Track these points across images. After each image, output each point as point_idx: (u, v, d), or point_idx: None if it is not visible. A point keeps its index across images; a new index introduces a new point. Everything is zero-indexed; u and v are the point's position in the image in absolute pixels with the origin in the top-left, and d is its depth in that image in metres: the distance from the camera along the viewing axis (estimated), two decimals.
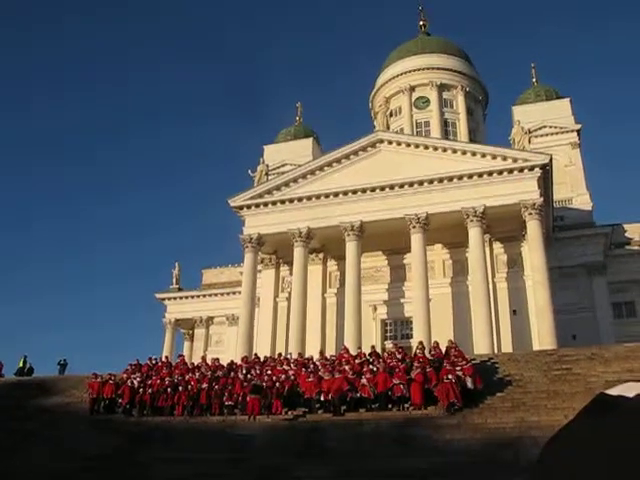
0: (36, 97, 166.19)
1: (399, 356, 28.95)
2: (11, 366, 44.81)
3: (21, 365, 43.88)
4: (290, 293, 46.13)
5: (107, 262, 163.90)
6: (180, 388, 29.79)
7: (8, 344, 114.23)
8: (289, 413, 26.97)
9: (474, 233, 41.42)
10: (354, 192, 44.63)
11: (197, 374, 31.30)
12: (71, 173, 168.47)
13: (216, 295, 63.32)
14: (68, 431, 27.33)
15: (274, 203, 46.80)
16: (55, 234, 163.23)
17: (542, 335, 38.01)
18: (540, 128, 57.78)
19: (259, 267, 48.44)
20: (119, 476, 21.98)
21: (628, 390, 1.18)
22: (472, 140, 62.52)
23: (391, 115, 64.98)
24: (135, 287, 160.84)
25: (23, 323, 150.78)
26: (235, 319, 54.97)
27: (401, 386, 25.65)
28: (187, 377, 30.95)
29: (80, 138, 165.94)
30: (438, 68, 68.59)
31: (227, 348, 55.77)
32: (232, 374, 30.60)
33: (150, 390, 30.16)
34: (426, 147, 45.08)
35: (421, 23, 78.49)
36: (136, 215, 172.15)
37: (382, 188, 43.99)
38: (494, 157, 42.63)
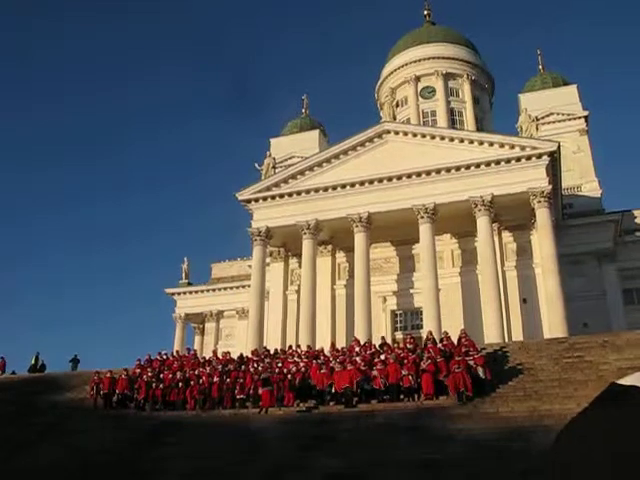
0: (37, 98, 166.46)
1: (410, 346, 28.97)
2: (23, 363, 45.06)
3: (33, 362, 44.11)
4: (299, 286, 46.17)
5: (117, 258, 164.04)
6: (192, 382, 29.91)
7: (20, 341, 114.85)
8: (301, 405, 27.04)
9: (482, 222, 41.32)
10: (361, 183, 44.56)
11: (208, 368, 31.39)
12: (76, 170, 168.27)
13: (225, 289, 63.49)
14: (81, 427, 27.46)
15: (282, 196, 46.79)
16: (64, 231, 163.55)
17: (553, 323, 37.92)
18: (547, 115, 57.45)
19: (268, 260, 48.50)
20: (133, 471, 22.07)
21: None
22: (479, 129, 62.43)
23: (397, 105, 64.76)
24: (145, 283, 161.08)
25: (33, 320, 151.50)
26: (245, 313, 55.08)
27: (410, 377, 25.67)
28: (198, 371, 31.07)
29: (87, 137, 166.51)
30: (443, 57, 68.46)
31: (237, 342, 55.90)
32: (243, 367, 30.68)
33: (162, 385, 30.31)
34: (433, 137, 44.92)
35: (426, 12, 78.23)
36: (144, 211, 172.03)
37: (389, 179, 43.89)
38: (501, 145, 42.44)
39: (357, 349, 30.40)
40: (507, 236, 44.44)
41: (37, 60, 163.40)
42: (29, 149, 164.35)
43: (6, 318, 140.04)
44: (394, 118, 50.70)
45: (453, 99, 67.35)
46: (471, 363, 25.60)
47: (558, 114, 57.72)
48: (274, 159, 52.15)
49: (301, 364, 29.41)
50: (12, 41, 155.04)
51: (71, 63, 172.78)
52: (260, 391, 27.44)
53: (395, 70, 70.61)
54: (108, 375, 31.26)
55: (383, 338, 33.52)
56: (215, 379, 29.32)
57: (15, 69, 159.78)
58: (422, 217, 42.28)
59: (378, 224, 43.97)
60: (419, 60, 68.74)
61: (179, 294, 65.46)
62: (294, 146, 62.98)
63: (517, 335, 40.04)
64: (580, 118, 57.41)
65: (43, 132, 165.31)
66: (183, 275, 66.88)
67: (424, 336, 33.10)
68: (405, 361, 26.52)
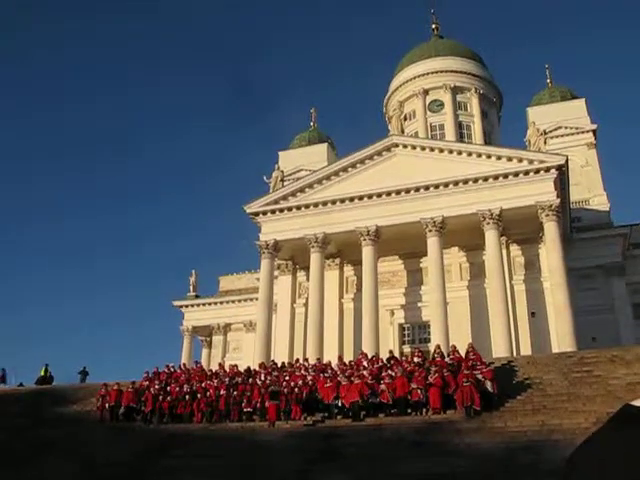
0: (37, 98, 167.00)
1: (417, 360, 28.86)
2: (30, 375, 45.15)
3: (42, 374, 44.21)
4: (307, 299, 46.15)
5: (121, 270, 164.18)
6: (199, 395, 29.86)
7: (27, 352, 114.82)
8: (308, 419, 26.95)
9: (491, 235, 41.25)
10: (369, 197, 44.61)
11: (215, 381, 31.35)
12: (76, 177, 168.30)
13: (233, 302, 63.43)
14: (88, 439, 27.45)
15: (290, 209, 46.87)
16: (65, 240, 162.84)
17: (561, 337, 37.74)
18: (555, 129, 57.39)
19: (276, 273, 48.50)
20: None
21: None
22: (487, 142, 62.46)
23: (405, 119, 64.87)
24: (152, 295, 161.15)
25: (39, 331, 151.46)
26: (252, 325, 55.09)
27: (418, 391, 25.57)
28: (205, 384, 31.02)
29: (88, 140, 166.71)
30: (451, 71, 68.54)
31: (245, 354, 55.78)
32: (250, 380, 30.63)
33: (169, 397, 30.27)
34: (441, 150, 44.95)
35: (434, 26, 78.38)
36: (152, 223, 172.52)
37: (397, 192, 43.93)
38: (510, 159, 42.42)
39: (365, 363, 30.30)
40: (515, 249, 44.37)
41: (37, 61, 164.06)
42: (28, 152, 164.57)
43: (9, 329, 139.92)
44: (402, 131, 50.80)
45: (461, 113, 67.38)
46: (479, 377, 25.49)
47: (566, 128, 57.63)
48: (282, 172, 52.24)
49: (308, 377, 29.34)
50: (12, 41, 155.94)
51: (71, 64, 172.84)
52: (267, 404, 27.38)
53: (403, 83, 70.72)
54: (115, 387, 31.26)
55: (391, 352, 33.39)
56: (222, 392, 29.27)
57: (15, 69, 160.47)
58: (430, 230, 42.25)
59: (386, 237, 43.97)
60: (427, 74, 68.86)
61: (187, 307, 65.46)
62: (302, 159, 63.06)
63: (525, 349, 39.86)
64: (588, 132, 57.28)
65: (42, 136, 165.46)
66: (191, 288, 66.93)
67: (432, 349, 32.99)
68: (416, 374, 26.42)
